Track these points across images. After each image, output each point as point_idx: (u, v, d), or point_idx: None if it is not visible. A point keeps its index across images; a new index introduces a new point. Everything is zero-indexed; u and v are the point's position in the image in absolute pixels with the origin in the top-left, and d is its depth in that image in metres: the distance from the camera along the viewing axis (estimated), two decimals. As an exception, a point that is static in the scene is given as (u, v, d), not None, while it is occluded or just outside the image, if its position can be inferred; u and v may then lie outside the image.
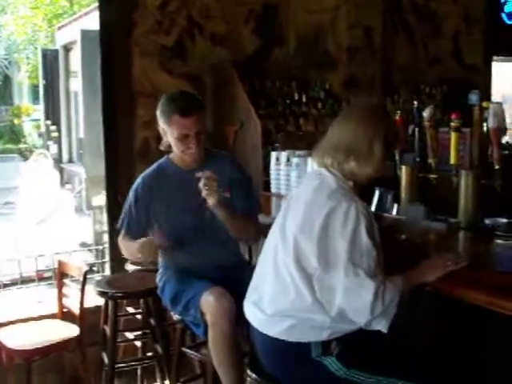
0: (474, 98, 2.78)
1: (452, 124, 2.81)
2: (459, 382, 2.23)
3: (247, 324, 2.22)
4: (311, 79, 4.53)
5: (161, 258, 2.79)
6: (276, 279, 2.02)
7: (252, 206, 2.75)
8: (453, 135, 2.82)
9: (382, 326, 1.91)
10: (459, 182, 2.75)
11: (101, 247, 4.97)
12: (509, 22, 6.56)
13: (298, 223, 1.98)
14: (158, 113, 2.62)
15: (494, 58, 6.30)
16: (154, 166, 2.77)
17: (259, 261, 2.20)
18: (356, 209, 1.90)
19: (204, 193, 2.45)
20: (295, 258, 1.95)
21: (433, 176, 2.97)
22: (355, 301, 1.87)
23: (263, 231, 2.69)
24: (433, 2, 5.49)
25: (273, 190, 3.59)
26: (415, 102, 3.19)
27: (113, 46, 3.89)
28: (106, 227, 7.52)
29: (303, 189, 2.14)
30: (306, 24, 4.62)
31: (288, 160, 3.49)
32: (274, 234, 2.14)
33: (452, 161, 2.84)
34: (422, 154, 3.11)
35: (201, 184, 2.44)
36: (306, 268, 1.94)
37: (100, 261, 5.01)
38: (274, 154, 3.59)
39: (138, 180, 2.75)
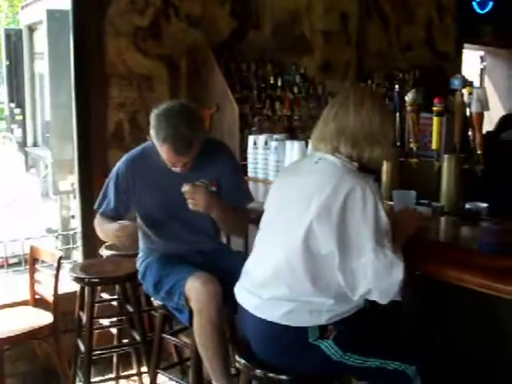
0: (456, 82, 2.76)
1: (434, 108, 2.80)
2: (450, 363, 2.25)
3: (232, 309, 2.19)
4: (287, 63, 4.51)
5: (141, 242, 2.72)
6: (276, 263, 1.98)
7: (243, 198, 2.68)
8: (435, 120, 2.81)
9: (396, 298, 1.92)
10: (441, 167, 2.75)
11: (71, 232, 4.86)
12: (480, 11, 6.62)
13: (310, 208, 1.91)
14: (152, 124, 2.46)
15: (465, 45, 6.38)
16: (139, 149, 2.68)
17: (255, 246, 2.16)
18: (371, 190, 1.89)
19: (190, 205, 2.42)
20: (304, 241, 1.91)
21: (414, 161, 2.97)
22: (386, 281, 1.86)
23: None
24: (406, -11, 5.52)
25: (250, 174, 3.55)
26: (396, 87, 3.17)
27: (86, 26, 3.78)
28: (73, 213, 7.42)
29: (305, 173, 2.07)
30: (282, 7, 4.59)
31: (266, 144, 3.45)
32: (272, 219, 2.10)
33: (434, 146, 2.83)
34: (402, 139, 3.11)
35: (187, 197, 2.41)
36: (316, 252, 1.90)
37: (68, 246, 4.90)
38: (251, 138, 3.55)
39: (121, 163, 2.66)
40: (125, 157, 2.68)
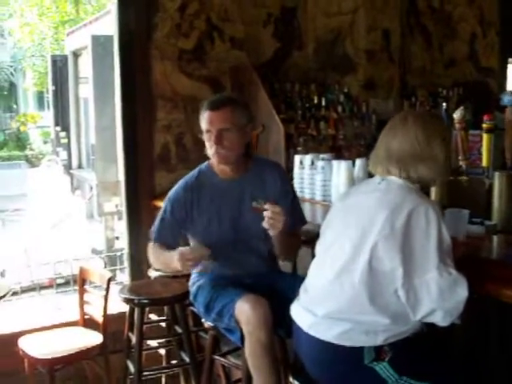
0: (506, 99, 2.73)
1: (484, 125, 2.77)
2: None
3: (284, 331, 2.17)
4: (330, 82, 4.50)
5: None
6: (334, 280, 1.98)
7: (298, 221, 2.61)
8: (485, 137, 2.78)
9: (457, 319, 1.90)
10: (492, 184, 2.70)
11: (118, 253, 4.92)
12: (524, 25, 6.52)
13: (373, 224, 1.92)
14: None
15: (510, 60, 6.28)
16: (195, 172, 2.65)
17: (312, 264, 2.16)
18: (434, 209, 1.91)
19: (268, 224, 2.31)
20: (367, 258, 1.91)
21: (463, 178, 2.92)
22: (451, 300, 1.85)
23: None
24: (449, 5, 5.47)
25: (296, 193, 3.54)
26: (444, 104, 3.13)
27: (132, 50, 3.86)
28: (117, 234, 7.54)
29: (368, 193, 2.09)
30: (324, 27, 4.60)
31: (312, 163, 3.44)
32: (333, 238, 2.10)
33: (484, 163, 2.79)
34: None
35: (266, 214, 2.29)
36: (378, 268, 1.90)
37: (115, 268, 4.96)
38: (297, 158, 3.54)
39: (177, 187, 2.62)
40: (180, 182, 2.64)
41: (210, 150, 2.49)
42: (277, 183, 2.60)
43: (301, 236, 2.65)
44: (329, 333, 1.95)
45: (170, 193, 2.63)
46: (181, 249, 2.38)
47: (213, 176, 2.59)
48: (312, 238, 2.42)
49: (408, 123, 2.04)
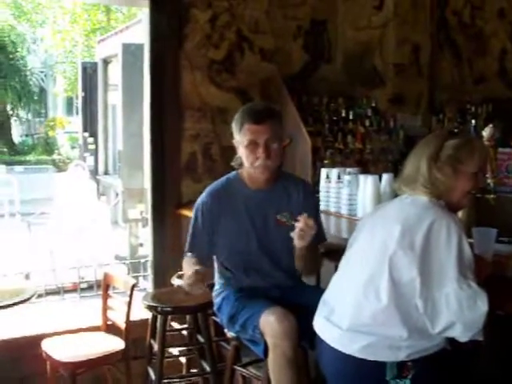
0: (537, 117, 2.71)
1: (515, 144, 2.75)
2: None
3: (308, 345, 2.17)
4: (358, 96, 4.50)
5: (217, 276, 2.70)
6: (359, 294, 1.99)
7: (319, 238, 2.56)
8: (515, 155, 2.76)
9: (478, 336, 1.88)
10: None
11: (142, 260, 4.94)
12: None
13: (394, 238, 1.95)
14: (233, 124, 2.54)
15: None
16: (223, 180, 2.66)
17: (336, 276, 2.18)
18: (455, 223, 1.92)
19: (297, 236, 2.31)
20: (387, 268, 1.93)
21: (491, 197, 2.90)
22: (471, 313, 1.85)
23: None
24: (480, 20, 5.43)
25: (322, 206, 3.52)
26: (473, 121, 3.11)
27: (163, 59, 3.90)
28: (141, 241, 7.58)
29: (393, 207, 2.14)
30: (353, 40, 4.60)
31: (339, 177, 3.44)
32: (356, 252, 2.13)
33: (513, 181, 2.77)
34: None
35: (298, 225, 2.29)
36: (397, 279, 1.92)
37: (138, 274, 4.98)
38: (324, 171, 3.54)
39: (204, 196, 2.62)
40: (208, 190, 2.63)
41: (255, 161, 2.48)
42: (300, 196, 2.61)
43: (320, 253, 2.65)
44: (352, 346, 1.95)
45: (198, 201, 2.63)
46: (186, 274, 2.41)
47: (241, 185, 2.60)
48: (336, 251, 2.42)
49: (418, 146, 2.13)
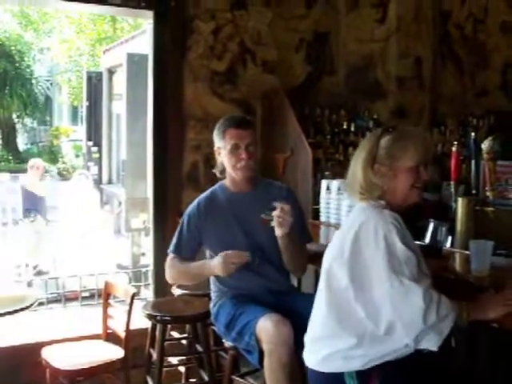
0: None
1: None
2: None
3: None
4: (360, 108, 4.52)
5: (213, 285, 2.78)
6: (315, 306, 2.05)
7: (305, 238, 2.77)
8: (514, 168, 2.77)
9: (432, 343, 1.83)
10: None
11: (143, 270, 4.96)
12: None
13: (332, 247, 2.02)
14: (215, 133, 2.76)
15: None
16: (208, 191, 2.86)
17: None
18: (384, 221, 1.89)
19: (275, 222, 2.47)
20: (327, 280, 1.97)
21: (490, 209, 2.91)
22: (405, 310, 1.82)
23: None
24: (482, 34, 5.46)
25: (322, 218, 3.56)
26: (472, 134, 3.14)
27: (166, 69, 3.94)
28: (143, 250, 7.59)
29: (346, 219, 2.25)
30: (355, 53, 4.63)
31: (339, 189, 3.45)
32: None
33: (513, 194, 2.78)
34: (477, 187, 3.06)
35: (275, 213, 2.45)
36: (335, 288, 1.94)
37: (139, 284, 4.99)
38: (324, 183, 3.56)
39: (193, 204, 2.82)
40: (197, 199, 2.84)
41: (238, 163, 2.67)
42: (282, 195, 2.72)
43: (307, 251, 2.74)
44: (312, 359, 1.99)
45: (187, 209, 2.83)
46: (226, 252, 2.55)
47: (225, 191, 2.79)
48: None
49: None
